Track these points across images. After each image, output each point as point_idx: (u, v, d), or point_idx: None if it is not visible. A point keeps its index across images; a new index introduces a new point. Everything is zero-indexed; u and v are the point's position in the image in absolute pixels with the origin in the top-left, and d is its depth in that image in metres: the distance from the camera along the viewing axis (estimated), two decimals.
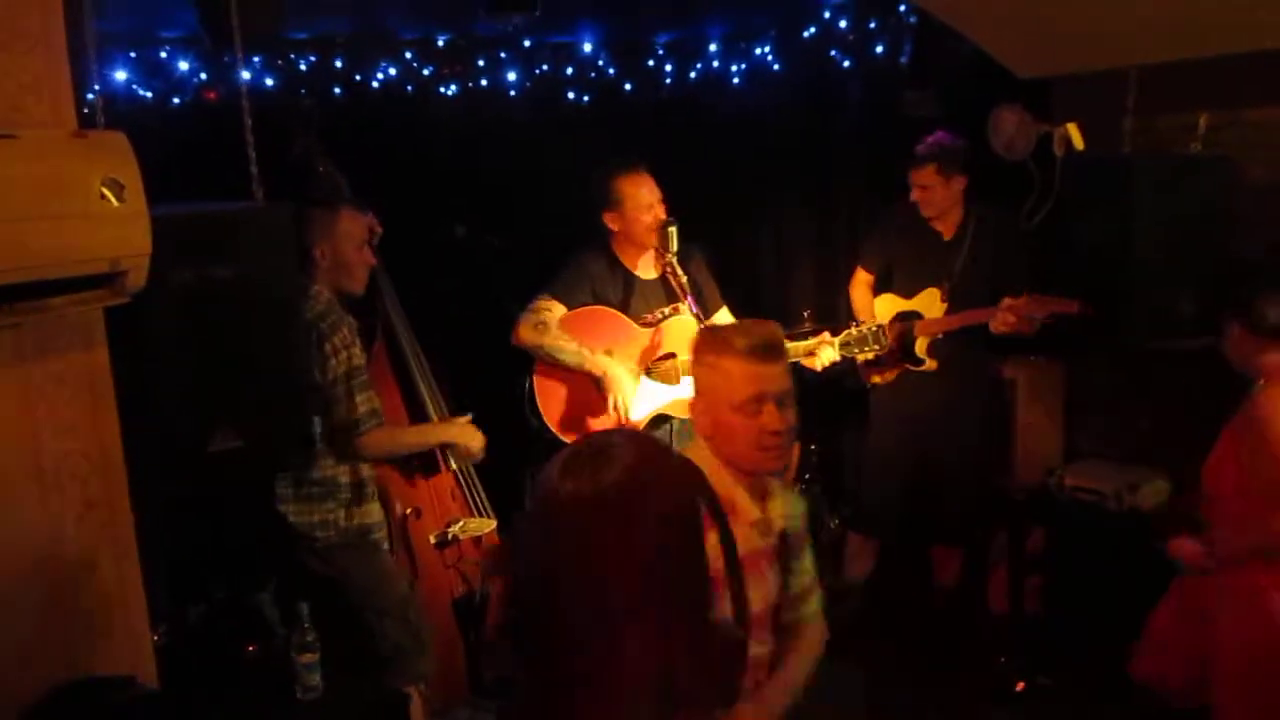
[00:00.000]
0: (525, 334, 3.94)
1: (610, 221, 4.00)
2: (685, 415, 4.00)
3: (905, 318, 4.49)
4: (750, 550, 2.32)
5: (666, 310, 4.01)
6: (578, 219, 4.12)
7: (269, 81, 4.54)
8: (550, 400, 3.98)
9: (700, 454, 2.33)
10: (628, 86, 5.70)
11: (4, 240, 1.90)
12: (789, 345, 4.02)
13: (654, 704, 1.38)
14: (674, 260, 3.86)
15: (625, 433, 1.50)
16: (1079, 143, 3.95)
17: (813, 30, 5.37)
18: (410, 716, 3.26)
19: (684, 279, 3.85)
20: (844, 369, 4.39)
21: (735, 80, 5.83)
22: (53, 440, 2.35)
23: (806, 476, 5.08)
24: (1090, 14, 3.68)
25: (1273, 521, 3.00)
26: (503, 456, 4.06)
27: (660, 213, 3.94)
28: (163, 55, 4.34)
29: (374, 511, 3.64)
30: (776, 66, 5.65)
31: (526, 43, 5.28)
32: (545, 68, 5.41)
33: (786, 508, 2.47)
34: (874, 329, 4.11)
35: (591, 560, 1.38)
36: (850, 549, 4.91)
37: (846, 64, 5.36)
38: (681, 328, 3.97)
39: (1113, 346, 4.17)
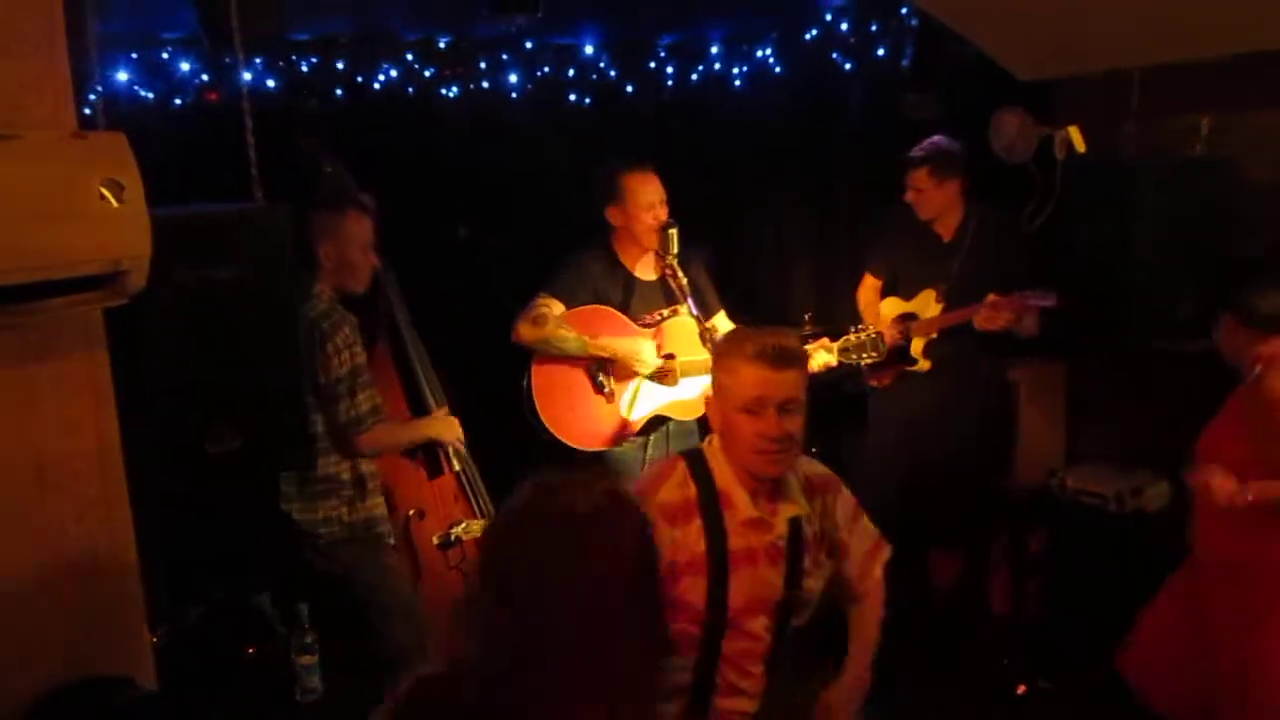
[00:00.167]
0: (525, 330, 3.94)
1: (612, 217, 4.00)
2: (683, 416, 4.01)
3: (904, 319, 4.49)
4: (744, 546, 2.41)
5: (666, 312, 4.02)
6: (579, 220, 4.12)
7: (270, 83, 4.54)
8: (548, 401, 3.98)
9: (713, 449, 2.47)
10: (629, 88, 5.70)
11: (3, 241, 1.90)
12: None
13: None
14: (674, 262, 3.86)
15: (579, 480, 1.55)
16: (1080, 146, 3.95)
17: (814, 33, 5.37)
18: None
19: (684, 281, 3.85)
20: (843, 373, 4.39)
21: (737, 82, 5.82)
22: (53, 440, 2.35)
23: None
24: (1092, 16, 3.68)
25: None
26: (504, 457, 4.06)
27: (662, 213, 3.94)
28: (164, 56, 4.34)
29: (378, 505, 3.65)
30: (778, 69, 5.65)
31: (528, 44, 5.27)
32: (547, 69, 5.41)
33: (806, 508, 2.53)
34: (873, 335, 4.10)
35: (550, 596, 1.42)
36: None
37: (848, 66, 5.35)
38: (681, 329, 3.97)
39: (1114, 348, 4.18)
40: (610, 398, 3.99)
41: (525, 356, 4.01)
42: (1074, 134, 3.95)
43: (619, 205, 3.97)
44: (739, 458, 2.40)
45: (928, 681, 4.29)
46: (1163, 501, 4.16)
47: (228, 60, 4.00)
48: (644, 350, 3.93)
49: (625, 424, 3.98)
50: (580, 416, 3.98)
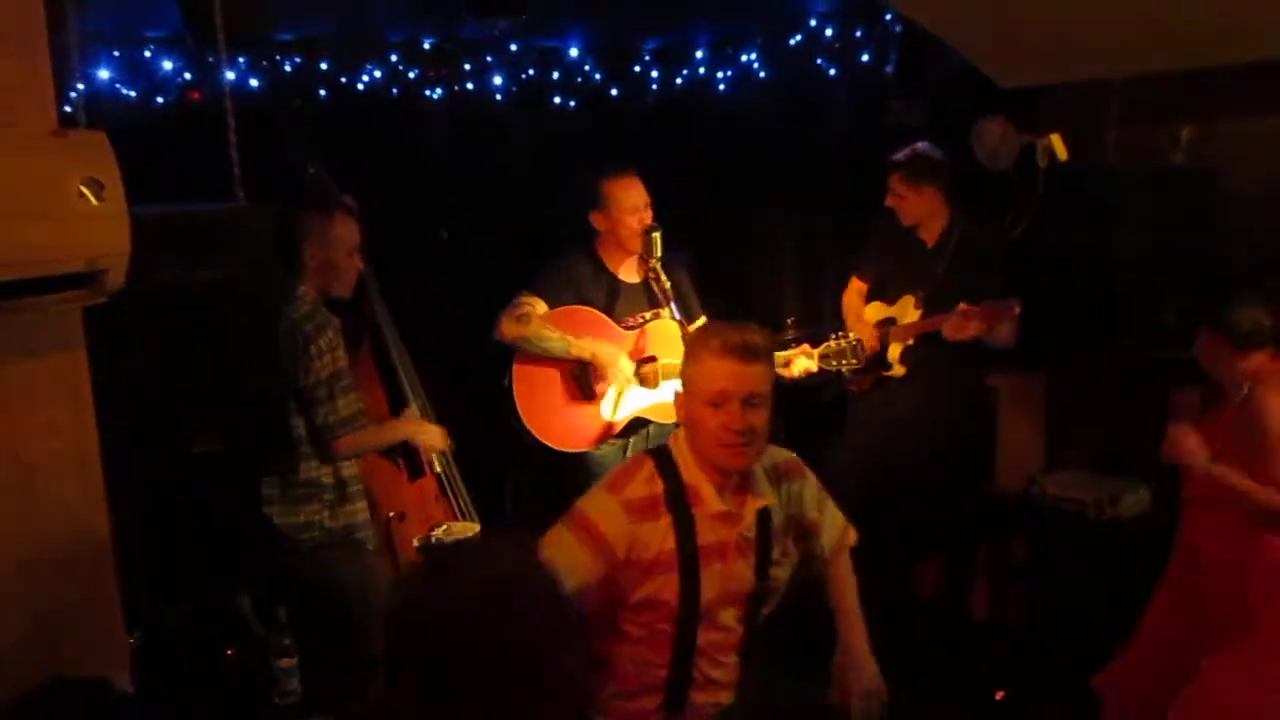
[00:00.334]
0: (507, 327, 3.93)
1: (597, 222, 4.00)
2: (664, 419, 4.01)
3: (885, 324, 4.50)
4: (714, 540, 2.44)
5: (648, 314, 4.01)
6: (562, 222, 4.12)
7: (254, 82, 4.53)
8: (529, 401, 3.97)
9: (679, 444, 2.47)
10: (614, 91, 5.71)
11: None
12: None
13: None
14: (658, 266, 3.87)
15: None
16: (1062, 153, 3.97)
17: (799, 38, 5.38)
18: None
19: (667, 284, 3.85)
20: (823, 379, 4.40)
21: (721, 87, 5.83)
22: (30, 440, 2.34)
23: None
24: (1074, 25, 3.69)
25: None
26: (487, 460, 4.05)
27: (646, 217, 3.94)
28: (147, 55, 4.32)
29: (359, 510, 3.62)
30: (762, 74, 5.66)
31: (513, 47, 5.27)
32: (532, 72, 5.41)
33: (773, 499, 2.56)
34: (853, 342, 4.11)
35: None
36: None
37: (832, 72, 5.37)
38: (663, 332, 3.97)
39: (1095, 356, 4.20)
40: (592, 399, 3.98)
41: (507, 359, 4.00)
42: (1056, 142, 3.97)
43: (603, 211, 3.97)
44: (704, 451, 2.42)
45: (907, 687, 4.29)
46: (1142, 508, 4.18)
47: (211, 59, 4.00)
48: (621, 360, 3.93)
49: (607, 426, 3.98)
50: (561, 418, 3.97)
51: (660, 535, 2.40)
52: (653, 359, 3.97)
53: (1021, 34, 3.93)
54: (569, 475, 3.94)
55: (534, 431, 3.95)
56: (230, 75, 3.37)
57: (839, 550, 2.75)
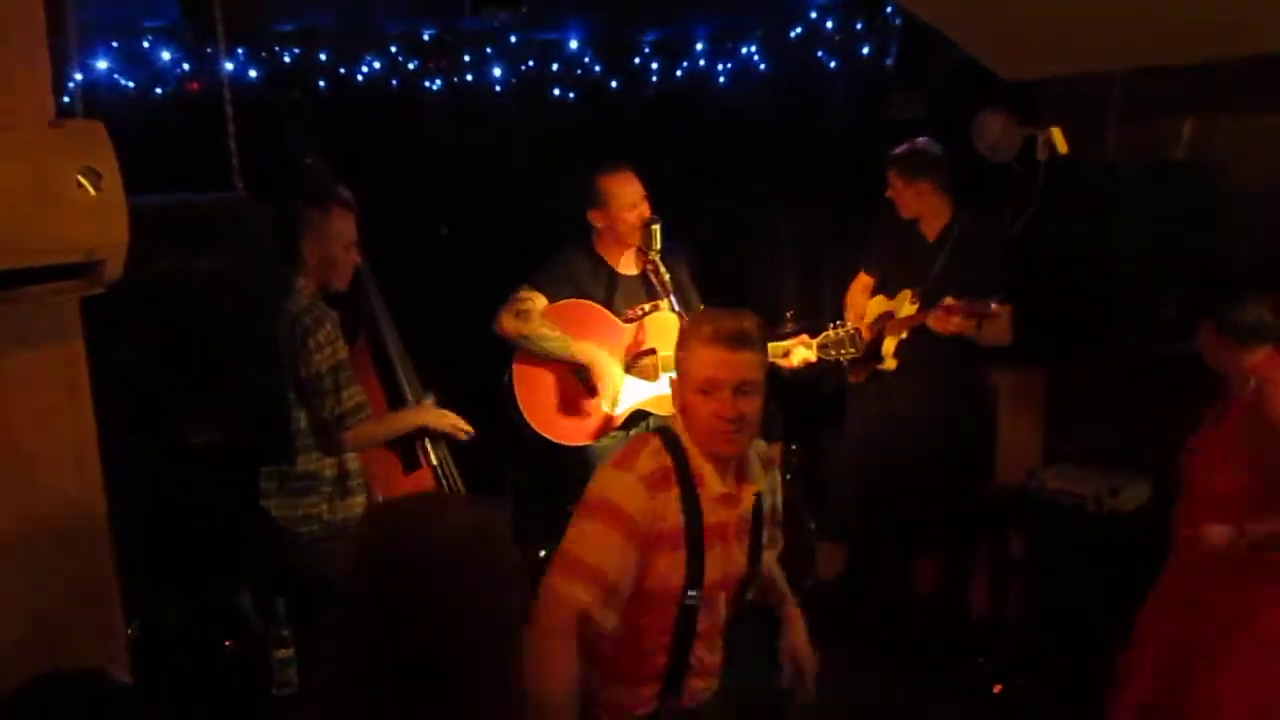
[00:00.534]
0: (507, 323, 3.93)
1: (596, 220, 4.00)
2: (664, 411, 4.00)
3: (884, 318, 4.50)
4: (716, 522, 2.45)
5: (647, 306, 4.01)
6: (563, 215, 4.11)
7: (252, 73, 4.52)
8: (530, 396, 3.97)
9: (679, 427, 2.49)
10: (614, 84, 5.69)
11: None
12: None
13: None
14: (657, 258, 3.86)
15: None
16: (1063, 147, 3.96)
17: (799, 30, 5.36)
18: None
19: (667, 277, 3.85)
20: (822, 370, 4.39)
21: (721, 80, 5.82)
22: (27, 431, 2.33)
23: (787, 477, 5.08)
24: (1075, 18, 3.68)
25: None
26: (486, 453, 4.05)
27: (644, 211, 3.94)
28: (145, 45, 4.31)
29: (359, 504, 3.62)
30: (762, 66, 5.65)
31: (513, 38, 5.26)
32: (531, 64, 5.39)
33: (764, 485, 2.62)
34: (850, 331, 4.11)
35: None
36: (821, 550, 4.91)
37: (833, 65, 5.35)
38: (663, 324, 3.97)
39: (1095, 350, 4.19)
40: (592, 394, 3.98)
41: (506, 352, 3.99)
42: (1056, 135, 3.96)
43: (601, 208, 3.97)
44: (696, 436, 2.44)
45: (905, 681, 4.30)
46: (1140, 501, 4.18)
47: (209, 50, 3.99)
48: (612, 370, 3.92)
49: (607, 419, 3.98)
50: (562, 412, 3.97)
51: (672, 508, 2.41)
52: (652, 351, 3.98)
53: (1022, 27, 3.92)
54: (569, 468, 3.95)
55: (535, 426, 3.95)
56: (229, 66, 3.36)
57: (776, 540, 2.78)
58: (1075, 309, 3.69)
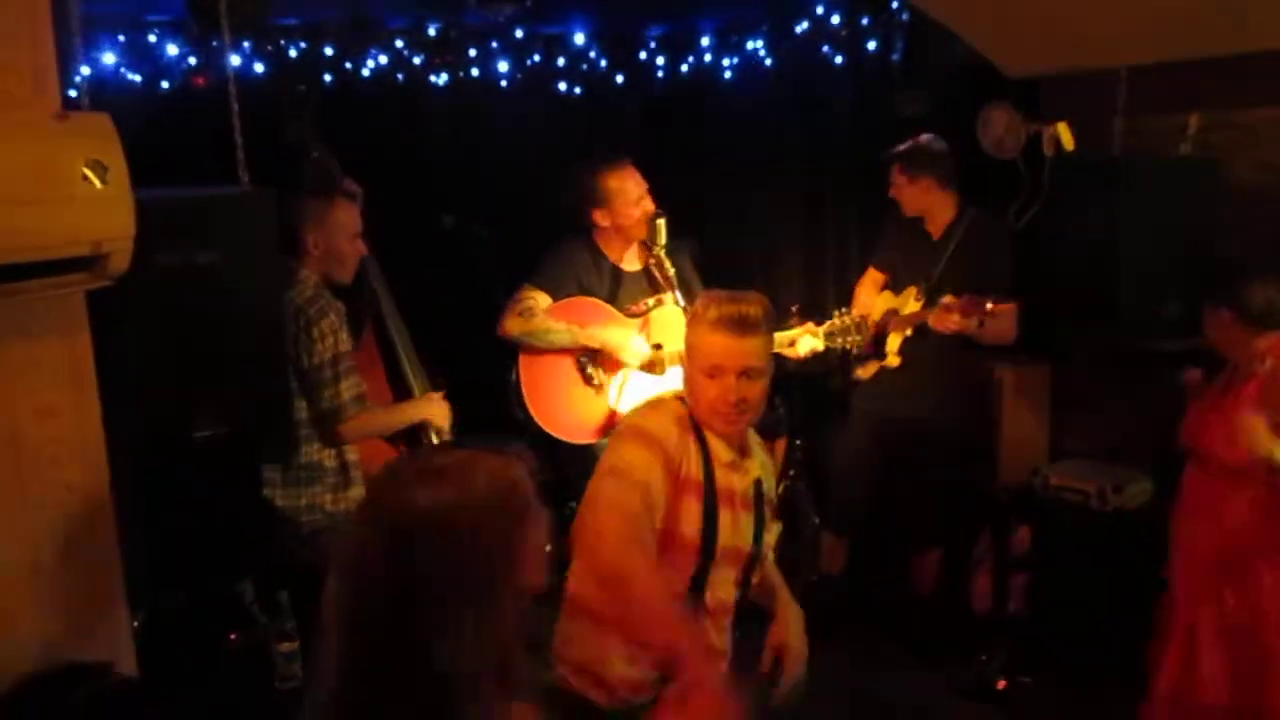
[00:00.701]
0: (511, 323, 3.93)
1: (600, 218, 3.99)
2: None
3: (889, 315, 4.49)
4: (725, 485, 2.50)
5: (651, 301, 4.01)
6: (566, 209, 4.11)
7: (258, 68, 4.52)
8: (536, 394, 3.97)
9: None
10: (619, 79, 5.69)
11: None
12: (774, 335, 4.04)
13: (495, 688, 1.46)
14: (661, 253, 3.86)
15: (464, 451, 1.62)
16: (1069, 143, 3.95)
17: (805, 26, 5.36)
18: None
19: (671, 272, 3.84)
20: (828, 369, 4.39)
21: (727, 75, 5.82)
22: (32, 424, 2.33)
23: (791, 473, 5.08)
24: (1081, 14, 3.68)
25: None
26: (488, 445, 4.04)
27: (648, 205, 3.93)
28: (151, 39, 4.32)
29: (360, 495, 3.62)
30: (768, 62, 5.64)
31: (518, 33, 5.26)
32: (536, 59, 5.40)
33: (763, 466, 2.67)
34: (857, 319, 4.11)
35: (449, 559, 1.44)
36: (825, 545, 4.91)
37: (838, 61, 5.35)
38: (668, 319, 3.96)
39: (1100, 346, 4.18)
40: (599, 389, 3.98)
41: (512, 349, 3.99)
42: (1062, 131, 3.95)
43: (605, 207, 3.95)
44: (700, 414, 2.49)
45: (908, 677, 4.30)
46: (1145, 498, 4.18)
47: (215, 44, 3.99)
48: (632, 340, 3.93)
49: (614, 415, 3.98)
50: (569, 409, 3.97)
51: (693, 457, 2.46)
52: (659, 346, 3.97)
53: (1028, 23, 3.92)
54: (575, 464, 3.94)
55: (541, 423, 3.94)
56: (235, 60, 3.37)
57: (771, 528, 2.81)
58: (1080, 305, 3.69)
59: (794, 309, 4.52)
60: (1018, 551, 4.56)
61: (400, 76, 4.99)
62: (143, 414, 2.48)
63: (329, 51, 4.72)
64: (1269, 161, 3.88)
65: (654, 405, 2.58)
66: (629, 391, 3.97)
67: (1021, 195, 4.10)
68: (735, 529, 2.52)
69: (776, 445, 4.63)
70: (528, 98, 5.39)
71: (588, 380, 3.98)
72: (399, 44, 4.94)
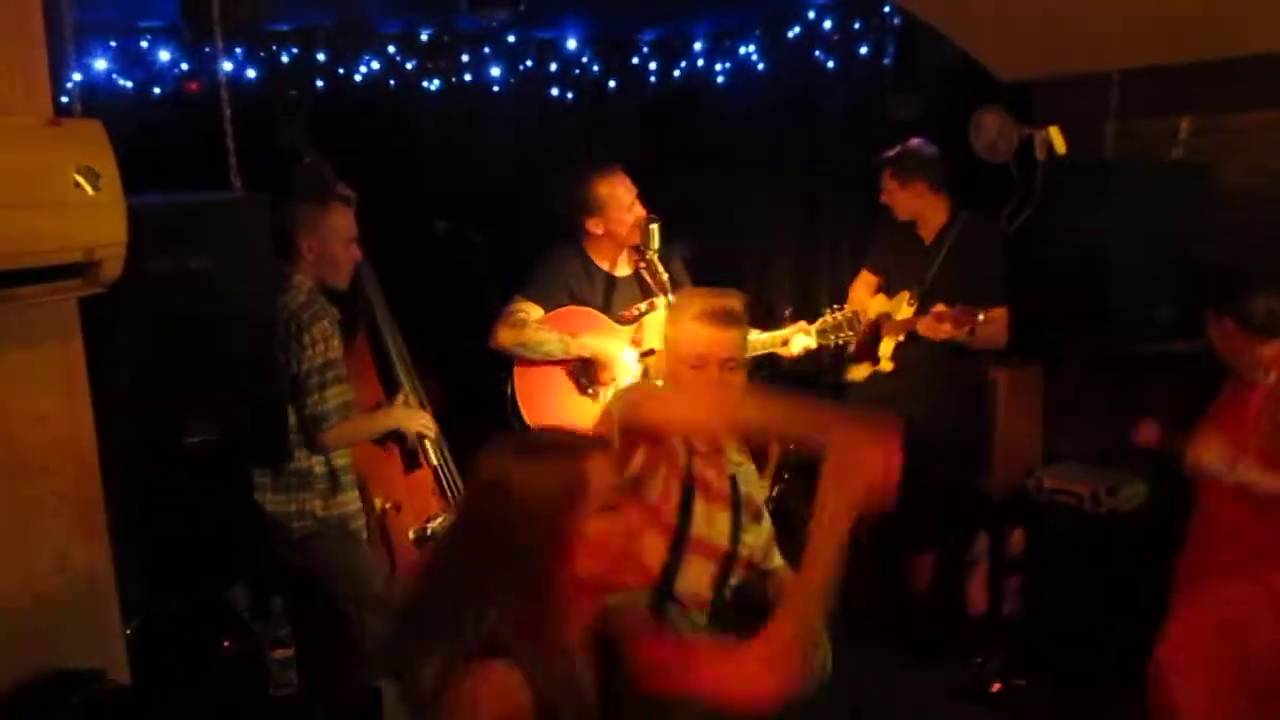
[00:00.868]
0: (504, 335, 3.93)
1: (593, 226, 3.98)
2: None
3: (884, 318, 4.50)
4: (700, 475, 2.61)
5: (644, 306, 4.00)
6: (558, 215, 4.11)
7: (250, 73, 4.52)
8: (533, 404, 3.97)
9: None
10: (612, 84, 5.69)
11: None
12: (766, 336, 4.05)
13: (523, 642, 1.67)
14: (654, 258, 3.86)
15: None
16: (1060, 146, 3.95)
17: (797, 30, 5.36)
18: (384, 711, 3.24)
19: (665, 277, 3.84)
20: (823, 366, 4.38)
21: (720, 79, 5.82)
22: (24, 431, 2.33)
23: (785, 475, 5.08)
24: (1073, 18, 3.68)
25: None
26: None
27: (639, 210, 3.94)
28: (143, 45, 4.31)
29: (351, 501, 3.62)
30: (761, 66, 5.65)
31: (510, 38, 5.26)
32: (529, 63, 5.40)
33: (740, 467, 2.74)
34: (849, 315, 4.12)
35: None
36: None
37: (830, 65, 5.35)
38: (661, 323, 3.96)
39: (1093, 350, 4.19)
40: (594, 397, 3.97)
41: (505, 357, 3.99)
42: (1054, 134, 3.95)
43: (597, 215, 3.95)
44: None
45: (903, 679, 4.30)
46: (1139, 501, 4.18)
47: (207, 50, 3.98)
48: (624, 354, 3.92)
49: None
50: (566, 418, 3.96)
51: (675, 442, 2.56)
52: (652, 352, 3.97)
53: (1020, 27, 3.92)
54: None
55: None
56: (227, 66, 3.36)
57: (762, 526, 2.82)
58: (1072, 308, 3.69)
59: (787, 313, 4.53)
60: (1012, 554, 4.56)
61: (393, 81, 4.99)
62: (135, 420, 2.47)
63: (321, 57, 4.72)
64: (1260, 165, 3.88)
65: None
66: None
67: (1013, 199, 4.11)
68: (710, 522, 2.59)
69: (770, 447, 4.63)
70: (520, 102, 5.39)
71: (583, 389, 3.98)
72: (391, 49, 4.94)
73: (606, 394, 3.95)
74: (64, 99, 2.50)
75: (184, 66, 4.37)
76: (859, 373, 4.58)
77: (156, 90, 4.39)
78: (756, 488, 2.82)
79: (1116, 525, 4.11)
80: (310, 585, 3.47)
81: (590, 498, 1.72)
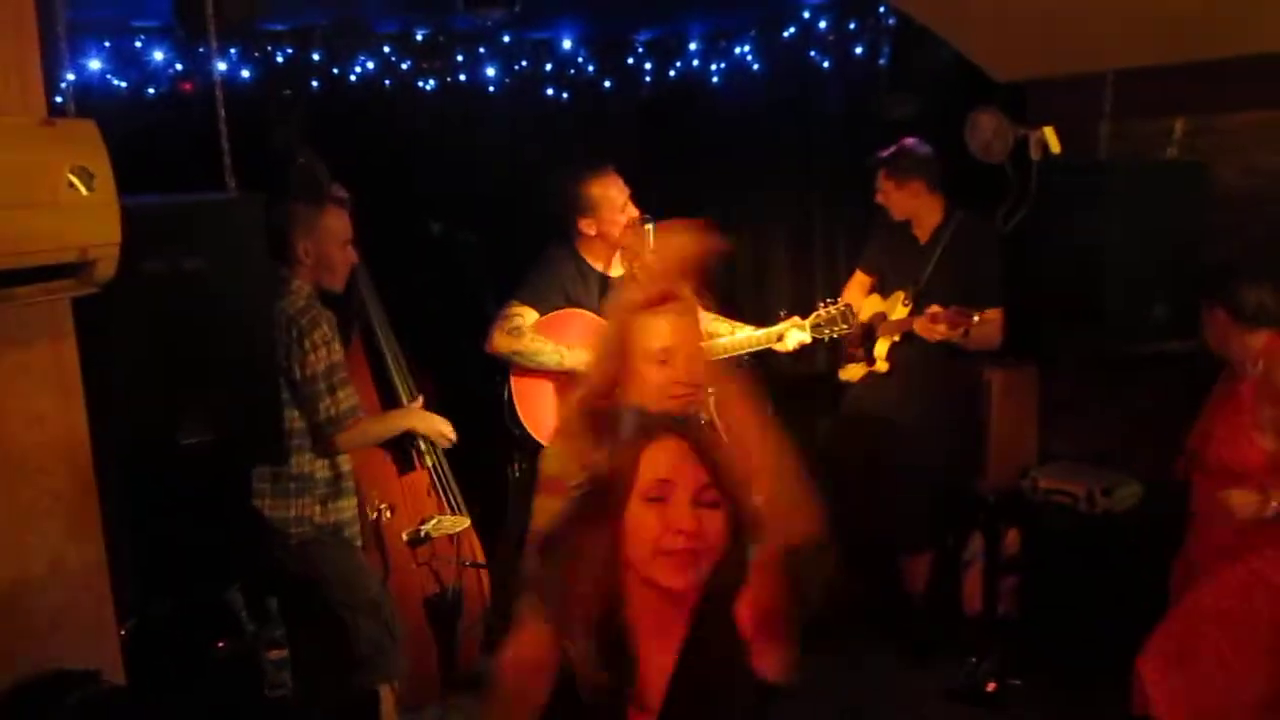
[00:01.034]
0: (500, 342, 3.93)
1: (586, 227, 3.98)
2: None
3: (877, 319, 4.50)
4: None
5: None
6: (554, 215, 4.11)
7: (245, 73, 4.51)
8: (530, 407, 3.97)
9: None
10: (607, 84, 5.69)
11: None
12: (761, 333, 4.06)
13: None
14: (650, 258, 3.85)
15: None
16: (1055, 146, 3.95)
17: (792, 30, 5.36)
18: (380, 714, 3.25)
19: None
20: (820, 365, 4.39)
21: (715, 80, 5.82)
22: (19, 431, 2.32)
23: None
24: (1068, 19, 3.69)
25: None
26: (479, 455, 4.04)
27: (633, 211, 3.94)
28: (137, 45, 4.30)
29: (349, 507, 3.62)
30: (756, 66, 5.65)
31: (506, 38, 5.26)
32: (525, 64, 5.39)
33: None
34: (843, 308, 4.12)
35: None
36: None
37: (826, 65, 5.35)
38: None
39: (1087, 350, 4.19)
40: None
41: (500, 362, 4.00)
42: (1049, 135, 3.95)
43: (591, 216, 3.96)
44: (649, 405, 2.46)
45: (897, 679, 4.30)
46: (1134, 501, 4.19)
47: (202, 50, 3.98)
48: None
49: None
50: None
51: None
52: None
53: (1015, 27, 3.92)
54: None
55: (538, 437, 3.94)
56: (221, 66, 3.35)
57: None
58: (1067, 308, 3.69)
59: (782, 313, 4.53)
60: (1007, 554, 4.56)
61: (388, 81, 4.98)
62: (129, 421, 2.46)
63: (317, 57, 4.71)
64: (1254, 165, 3.89)
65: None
66: None
67: (1008, 199, 4.10)
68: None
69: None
70: (516, 103, 5.38)
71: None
72: (386, 49, 4.93)
73: None
74: (58, 99, 2.50)
75: (178, 66, 4.36)
76: (854, 373, 4.59)
77: (151, 90, 4.38)
78: None
79: (1111, 525, 4.12)
80: (306, 589, 3.47)
81: (637, 482, 1.73)
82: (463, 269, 4.50)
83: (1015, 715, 4.10)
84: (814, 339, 4.13)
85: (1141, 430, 4.28)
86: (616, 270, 4.07)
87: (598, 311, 4.00)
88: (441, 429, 3.88)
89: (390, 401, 4.02)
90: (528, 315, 3.93)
